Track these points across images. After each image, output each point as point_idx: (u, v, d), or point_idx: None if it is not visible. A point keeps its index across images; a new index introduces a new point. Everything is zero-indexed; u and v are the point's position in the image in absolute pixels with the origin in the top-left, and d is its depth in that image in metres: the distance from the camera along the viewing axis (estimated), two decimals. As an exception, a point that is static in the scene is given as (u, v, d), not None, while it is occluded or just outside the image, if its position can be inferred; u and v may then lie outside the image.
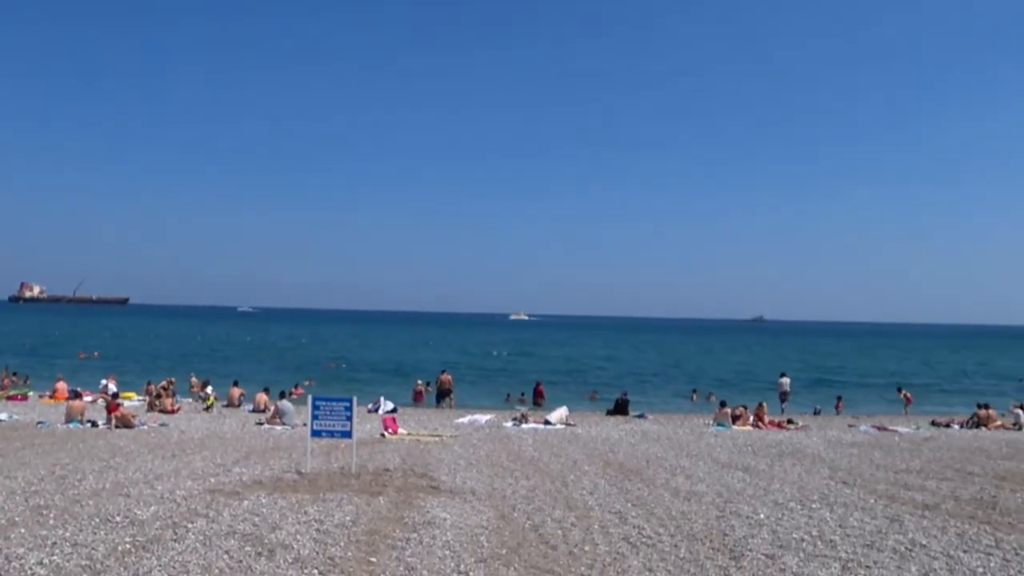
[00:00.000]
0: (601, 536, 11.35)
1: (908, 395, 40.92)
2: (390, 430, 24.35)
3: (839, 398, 41.79)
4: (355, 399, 16.96)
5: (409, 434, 24.30)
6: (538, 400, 40.16)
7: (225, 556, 9.78)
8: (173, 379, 35.23)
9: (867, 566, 10.03)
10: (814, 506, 14.00)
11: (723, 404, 31.47)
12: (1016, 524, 12.82)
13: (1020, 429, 30.78)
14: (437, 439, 23.26)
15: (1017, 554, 10.80)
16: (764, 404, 32.13)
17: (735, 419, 29.83)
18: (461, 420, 29.25)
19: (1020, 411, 32.50)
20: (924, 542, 11.34)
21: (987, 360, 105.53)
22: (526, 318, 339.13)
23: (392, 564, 9.64)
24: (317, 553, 10.02)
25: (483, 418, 29.91)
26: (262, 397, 31.26)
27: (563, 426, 28.05)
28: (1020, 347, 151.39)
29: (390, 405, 33.03)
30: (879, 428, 29.96)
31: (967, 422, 32.04)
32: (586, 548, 10.64)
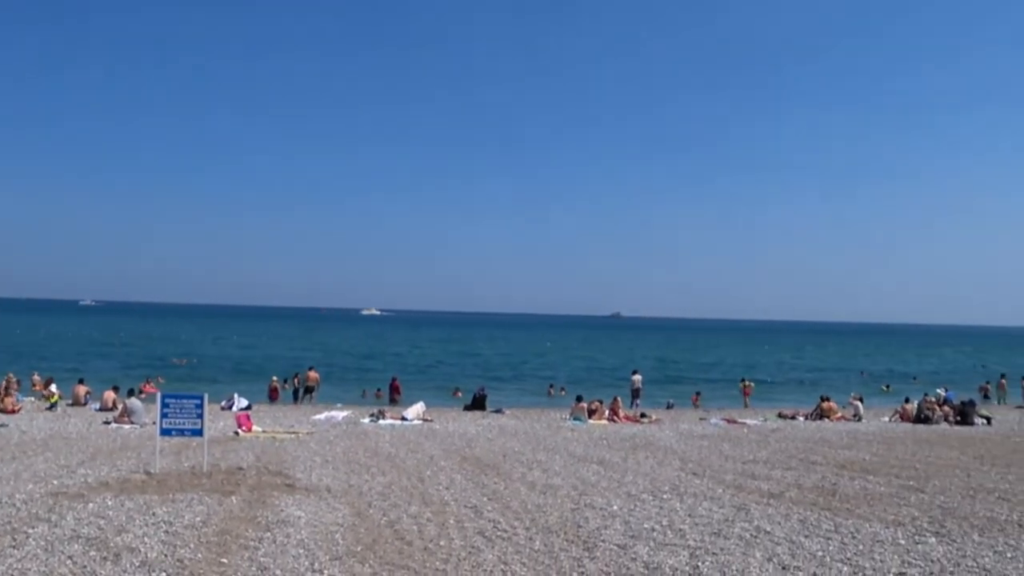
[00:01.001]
0: (457, 531, 11.37)
1: (747, 387, 42.52)
2: (244, 428, 23.85)
3: (697, 393, 42.86)
4: (206, 396, 16.55)
5: (264, 431, 23.85)
6: (395, 396, 40.02)
7: (68, 562, 9.40)
8: (13, 376, 33.69)
9: (714, 553, 10.33)
10: (665, 497, 14.34)
11: (579, 399, 31.92)
12: (854, 509, 13.43)
13: (859, 420, 32.20)
14: (293, 436, 22.90)
15: (854, 537, 11.32)
16: (619, 399, 32.75)
17: (591, 413, 30.30)
18: (318, 417, 28.88)
19: (859, 403, 34.02)
20: (769, 529, 11.76)
21: (829, 355, 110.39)
22: (378, 313, 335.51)
23: (244, 564, 9.44)
24: (166, 556, 9.73)
25: (340, 415, 29.60)
26: (110, 395, 30.20)
27: (420, 422, 27.99)
28: (860, 343, 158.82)
29: (244, 402, 32.39)
30: (729, 421, 30.90)
31: (811, 414, 33.37)
32: (441, 543, 10.65)
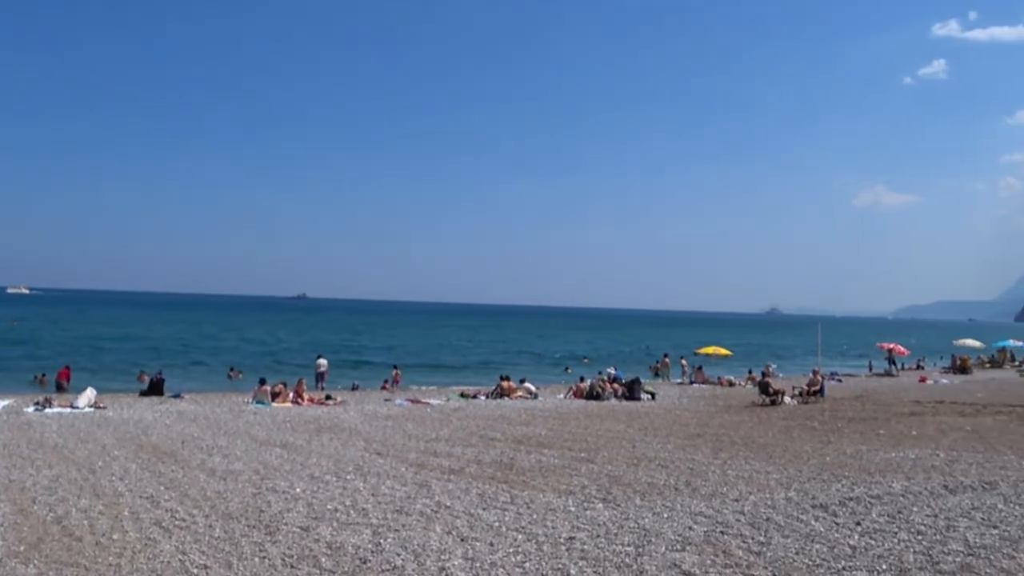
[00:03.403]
0: (131, 523, 10.89)
1: (396, 374, 43.03)
2: None
3: (387, 379, 42.87)
4: None
5: (-92, 426, 21.71)
6: (62, 382, 37.55)
7: None
8: None
9: (396, 529, 10.53)
10: (349, 477, 14.43)
11: (262, 381, 31.34)
12: (529, 482, 14.12)
13: (536, 398, 33.75)
14: (-57, 430, 20.99)
15: (528, 507, 11.92)
16: (303, 380, 32.48)
17: (275, 396, 29.83)
18: (-27, 408, 26.60)
19: (529, 384, 35.76)
20: (449, 503, 12.13)
21: (507, 337, 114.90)
22: (27, 292, 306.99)
23: None
24: None
25: (-1, 404, 27.42)
26: None
27: (92, 410, 26.44)
28: (532, 324, 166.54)
29: None
30: (413, 401, 31.41)
31: (491, 393, 34.55)
32: (115, 537, 10.17)
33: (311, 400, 30.84)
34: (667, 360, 52.08)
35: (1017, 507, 11.93)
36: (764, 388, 32.02)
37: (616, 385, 35.36)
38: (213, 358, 61.64)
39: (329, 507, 11.85)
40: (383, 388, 39.93)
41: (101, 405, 27.31)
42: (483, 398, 33.63)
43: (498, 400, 32.93)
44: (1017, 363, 63.15)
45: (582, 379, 37.76)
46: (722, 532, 10.51)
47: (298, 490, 13.15)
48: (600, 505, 12.13)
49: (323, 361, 41.26)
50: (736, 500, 12.57)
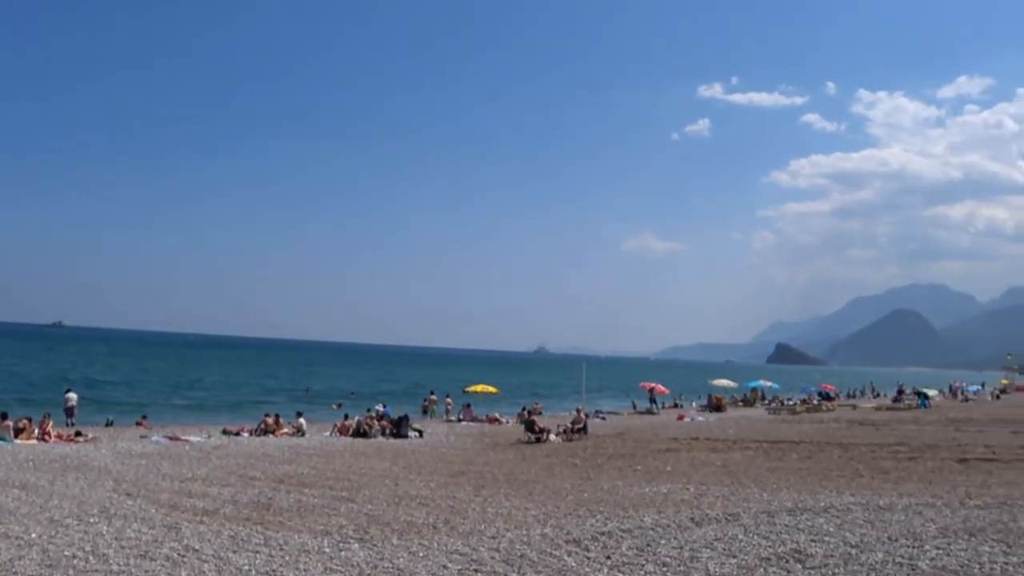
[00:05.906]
0: None
1: (143, 422, 40.27)
2: None
3: (144, 416, 40.75)
4: None
5: None
6: None
7: None
8: None
9: (138, 576, 10.04)
10: (92, 520, 13.64)
11: (4, 416, 29.26)
12: (286, 522, 13.80)
13: (303, 435, 33.08)
14: None
15: (282, 549, 11.63)
16: (49, 415, 30.66)
17: (18, 432, 27.97)
18: None
19: (303, 419, 35.00)
20: (198, 547, 11.65)
21: (272, 372, 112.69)
22: None
23: None
24: None
25: None
26: None
27: None
28: (300, 359, 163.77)
29: None
30: (171, 438, 30.20)
31: (256, 430, 33.62)
32: None
33: (59, 437, 29.13)
34: (434, 398, 52.34)
35: (756, 537, 12.64)
36: (530, 426, 32.64)
37: (384, 422, 35.19)
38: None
39: (67, 553, 11.13)
40: (139, 424, 38.07)
41: None
42: (247, 435, 32.72)
43: (262, 437, 32.12)
44: (767, 401, 67.07)
45: (347, 416, 37.39)
46: (475, 570, 10.59)
47: (33, 535, 12.29)
48: (356, 545, 11.97)
49: (72, 395, 39.03)
50: (493, 537, 12.70)
